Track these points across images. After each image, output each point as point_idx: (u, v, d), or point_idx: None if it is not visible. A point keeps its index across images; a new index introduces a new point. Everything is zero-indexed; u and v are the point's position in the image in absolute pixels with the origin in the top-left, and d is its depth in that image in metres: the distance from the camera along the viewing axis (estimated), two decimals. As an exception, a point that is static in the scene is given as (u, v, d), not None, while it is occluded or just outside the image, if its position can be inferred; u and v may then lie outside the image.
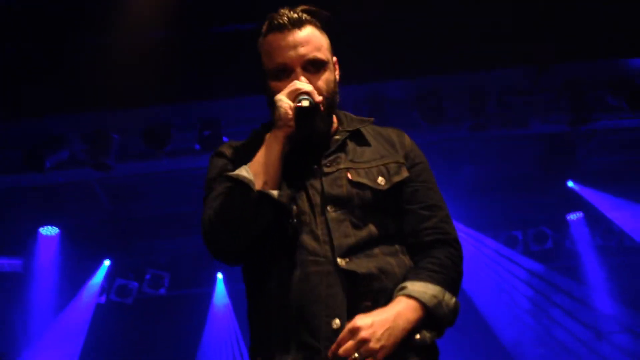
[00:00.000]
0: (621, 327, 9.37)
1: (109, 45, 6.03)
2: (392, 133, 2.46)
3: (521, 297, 9.75)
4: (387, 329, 2.05)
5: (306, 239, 2.19)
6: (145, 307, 9.63)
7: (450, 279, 2.22)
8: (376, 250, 2.22)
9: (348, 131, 2.39)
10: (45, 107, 6.14)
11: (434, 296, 2.14)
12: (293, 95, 2.20)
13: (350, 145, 2.36)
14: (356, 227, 2.22)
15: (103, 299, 9.48)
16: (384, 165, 2.33)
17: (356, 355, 2.01)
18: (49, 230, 8.71)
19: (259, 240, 2.20)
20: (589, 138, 7.78)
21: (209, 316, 9.82)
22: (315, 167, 2.28)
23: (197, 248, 8.34)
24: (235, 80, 6.02)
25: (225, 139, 6.48)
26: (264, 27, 2.34)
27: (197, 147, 6.61)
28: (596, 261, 9.48)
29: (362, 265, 2.16)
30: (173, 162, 6.87)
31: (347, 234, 2.19)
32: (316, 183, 2.26)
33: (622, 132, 7.56)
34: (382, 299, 2.15)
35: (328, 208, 2.22)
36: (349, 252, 2.17)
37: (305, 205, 2.23)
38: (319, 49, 2.31)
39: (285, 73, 2.28)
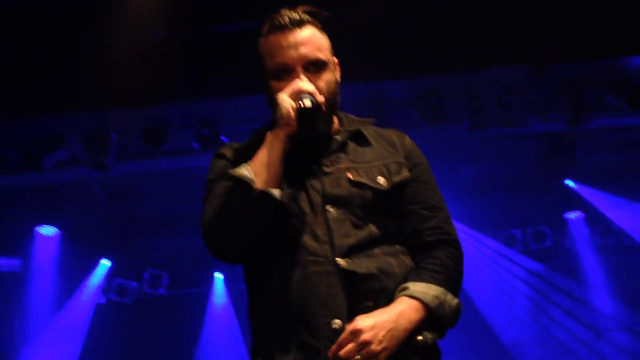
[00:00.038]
0: (620, 326, 9.38)
1: (107, 45, 6.03)
2: (392, 134, 2.46)
3: (520, 296, 9.77)
4: (388, 331, 2.04)
5: (306, 238, 2.18)
6: (144, 306, 9.64)
7: (452, 280, 2.22)
8: (377, 251, 2.21)
9: (349, 131, 2.38)
10: (43, 107, 6.14)
11: (436, 297, 2.13)
12: (295, 94, 2.19)
13: (351, 145, 2.36)
14: (357, 227, 2.21)
15: (102, 298, 9.47)
16: (384, 165, 2.32)
17: (358, 357, 2.01)
18: (47, 230, 8.71)
19: (260, 239, 2.19)
20: (588, 137, 7.78)
21: (208, 316, 9.82)
22: (316, 167, 2.28)
23: (196, 248, 8.34)
24: (234, 80, 6.02)
25: (224, 138, 6.48)
26: (265, 28, 2.33)
27: (196, 146, 6.60)
28: (595, 260, 9.50)
29: (363, 265, 2.16)
30: (172, 162, 6.87)
31: (347, 234, 2.18)
32: (316, 183, 2.25)
33: (621, 131, 7.57)
34: (383, 299, 2.14)
35: (328, 208, 2.21)
36: (350, 252, 2.16)
37: (305, 205, 2.22)
38: (319, 49, 2.30)
39: (286, 73, 2.27)
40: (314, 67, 2.28)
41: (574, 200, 8.98)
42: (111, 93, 6.01)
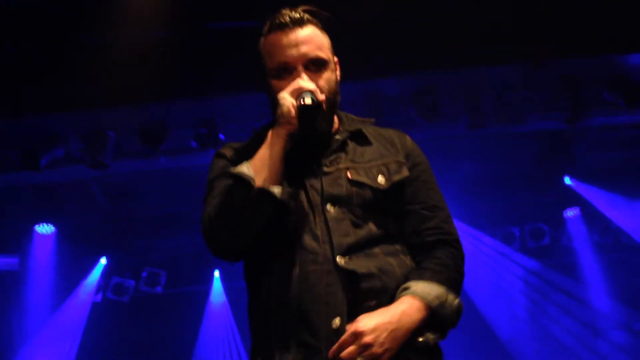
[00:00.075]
0: (617, 324, 9.40)
1: (105, 44, 6.02)
2: (393, 134, 2.46)
3: (518, 294, 9.77)
4: (390, 332, 2.04)
5: (305, 237, 2.18)
6: (142, 305, 9.62)
7: (453, 280, 2.22)
8: (376, 250, 2.20)
9: (349, 131, 2.38)
10: (42, 106, 6.13)
11: (438, 296, 2.13)
12: (296, 93, 2.19)
13: (351, 145, 2.35)
14: (356, 226, 2.21)
15: (99, 297, 9.46)
16: (384, 164, 2.32)
17: (359, 359, 2.00)
18: (44, 229, 8.70)
19: (259, 238, 2.19)
20: (586, 135, 7.79)
21: (206, 314, 9.82)
22: (316, 166, 2.28)
23: (195, 246, 8.37)
24: (232, 78, 6.02)
25: (222, 137, 6.48)
26: (265, 27, 2.33)
27: (194, 145, 6.60)
28: (593, 258, 9.50)
29: (362, 264, 2.15)
30: (170, 161, 6.87)
31: (346, 233, 2.18)
32: (316, 182, 2.25)
33: (620, 129, 7.58)
34: (383, 298, 2.14)
35: (327, 207, 2.21)
36: (349, 251, 2.16)
37: (304, 204, 2.22)
38: (320, 48, 2.30)
39: (287, 72, 2.27)
40: (314, 66, 2.28)
41: (571, 198, 8.98)
42: (109, 92, 6.01)
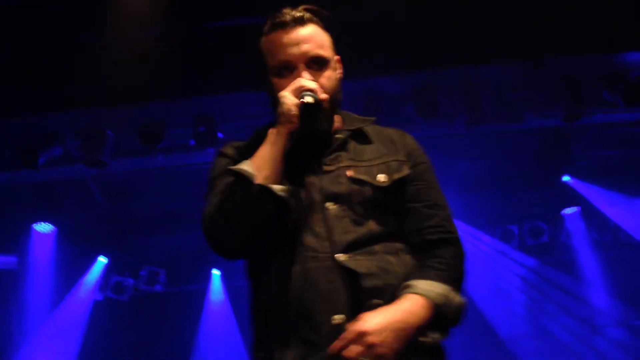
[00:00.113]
0: (616, 321, 9.41)
1: (103, 43, 6.01)
2: (393, 133, 2.46)
3: (516, 291, 9.78)
4: (395, 331, 2.02)
5: (305, 235, 2.18)
6: (141, 303, 9.62)
7: (455, 278, 2.21)
8: (377, 248, 2.20)
9: (350, 130, 2.38)
10: (39, 104, 6.12)
11: (441, 294, 2.13)
12: (297, 92, 2.19)
13: (352, 144, 2.35)
14: (356, 223, 2.21)
15: (99, 295, 9.46)
16: (384, 163, 2.32)
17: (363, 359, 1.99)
18: (43, 227, 8.69)
19: (260, 235, 2.19)
20: (585, 133, 7.79)
21: (205, 313, 9.82)
22: (316, 165, 2.28)
23: (193, 244, 8.37)
24: (229, 76, 6.01)
25: (220, 135, 6.47)
26: (266, 26, 2.34)
27: (193, 143, 6.59)
28: (592, 255, 9.51)
29: (362, 262, 2.15)
30: (168, 159, 6.86)
31: (346, 230, 2.18)
32: (316, 180, 2.25)
33: (618, 126, 7.57)
34: (385, 297, 2.13)
35: (327, 205, 2.21)
36: (349, 248, 2.16)
37: (305, 202, 2.22)
38: (321, 47, 2.31)
39: (288, 70, 2.27)
40: (316, 65, 2.28)
41: (570, 196, 8.98)
42: (108, 90, 6.00)
